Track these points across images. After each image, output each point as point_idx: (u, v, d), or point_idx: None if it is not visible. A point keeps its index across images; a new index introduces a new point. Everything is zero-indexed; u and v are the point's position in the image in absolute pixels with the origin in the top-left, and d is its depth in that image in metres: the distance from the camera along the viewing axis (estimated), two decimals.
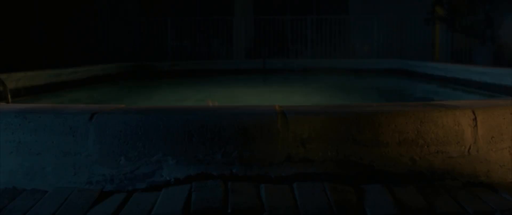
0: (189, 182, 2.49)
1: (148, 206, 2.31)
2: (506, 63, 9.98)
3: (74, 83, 10.98)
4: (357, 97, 7.92)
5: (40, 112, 2.73)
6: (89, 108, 2.78)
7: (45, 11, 13.11)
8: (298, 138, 2.53)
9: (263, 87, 11.39)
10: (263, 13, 17.89)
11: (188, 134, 2.53)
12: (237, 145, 2.53)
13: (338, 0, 18.63)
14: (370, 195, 2.38)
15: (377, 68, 15.04)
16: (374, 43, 17.25)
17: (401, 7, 17.28)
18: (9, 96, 6.90)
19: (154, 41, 17.29)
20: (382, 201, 2.32)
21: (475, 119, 2.66)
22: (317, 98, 8.17)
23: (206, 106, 2.89)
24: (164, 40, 17.34)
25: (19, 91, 8.79)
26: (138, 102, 8.31)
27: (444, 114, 2.64)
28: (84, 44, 14.86)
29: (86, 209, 2.34)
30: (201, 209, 2.23)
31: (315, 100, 7.67)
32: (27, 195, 2.54)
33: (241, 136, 2.53)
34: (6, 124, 2.66)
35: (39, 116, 2.69)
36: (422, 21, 16.69)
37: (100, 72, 12.65)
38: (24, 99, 8.66)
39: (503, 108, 2.70)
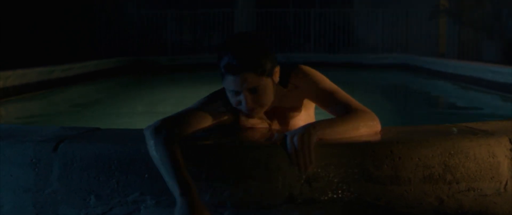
0: None
1: None
2: None
3: (68, 81, 10.57)
4: (365, 102, 7.47)
5: None
6: (55, 133, 2.36)
7: (40, 4, 12.70)
8: (303, 174, 2.11)
9: None
10: (266, 6, 17.48)
11: None
12: (229, 183, 2.11)
13: None
14: None
15: (383, 64, 14.62)
16: (378, 37, 16.84)
17: (407, 0, 16.86)
18: None
19: (154, 35, 16.89)
20: None
21: None
22: None
23: None
24: (163, 34, 16.95)
25: (8, 91, 8.38)
26: (125, 107, 7.90)
27: (477, 144, 2.21)
28: (80, 39, 14.47)
29: None
30: None
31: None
32: None
33: (234, 172, 2.11)
34: None
35: None
36: (428, 14, 16.28)
37: (95, 68, 12.25)
38: (13, 99, 8.26)
39: None
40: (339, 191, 2.12)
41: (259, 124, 2.39)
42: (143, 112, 7.45)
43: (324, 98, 2.29)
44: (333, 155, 2.12)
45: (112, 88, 11.15)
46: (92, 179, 2.17)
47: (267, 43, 2.23)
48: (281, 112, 2.39)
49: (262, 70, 2.14)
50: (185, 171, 2.01)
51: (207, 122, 2.24)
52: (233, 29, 17.09)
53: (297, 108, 2.40)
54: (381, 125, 2.28)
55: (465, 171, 2.19)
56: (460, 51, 14.80)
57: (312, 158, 2.02)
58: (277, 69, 2.25)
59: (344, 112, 2.22)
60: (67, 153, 2.20)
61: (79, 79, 11.02)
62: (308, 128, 2.08)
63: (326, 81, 2.33)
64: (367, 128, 2.20)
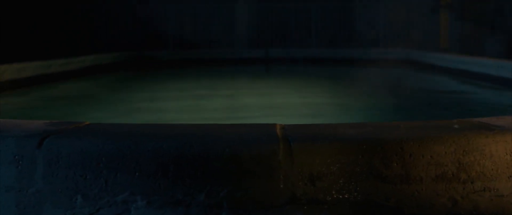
0: None
1: None
2: None
3: (66, 75, 10.42)
4: (368, 98, 7.36)
5: None
6: (39, 128, 2.21)
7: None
8: (306, 172, 1.95)
9: (265, 82, 10.83)
10: (266, 0, 17.33)
11: (163, 167, 1.95)
12: (226, 182, 1.95)
13: None
14: None
15: (385, 58, 14.46)
16: (380, 32, 16.70)
17: None
18: None
19: (154, 30, 16.74)
20: None
21: None
22: (324, 98, 7.61)
23: (186, 128, 2.29)
24: (163, 28, 16.80)
25: (3, 86, 8.23)
26: (123, 103, 7.75)
27: (493, 140, 2.06)
28: (79, 33, 14.33)
29: None
30: None
31: (322, 103, 7.11)
32: None
33: (231, 170, 1.95)
34: None
35: None
36: (429, 8, 16.13)
37: (94, 62, 12.10)
38: (7, 94, 8.11)
39: None
40: (345, 191, 1.97)
41: None
42: (143, 108, 7.30)
43: None
44: (339, 151, 1.96)
45: (110, 83, 11.00)
46: (78, 178, 2.02)
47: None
48: None
49: None
50: None
51: None
52: (234, 24, 16.96)
53: None
54: (385, 121, 2.14)
55: (481, 169, 2.04)
56: (462, 46, 14.64)
57: None
58: None
59: None
60: (52, 149, 2.04)
61: (77, 74, 10.87)
62: None
63: None
64: None
